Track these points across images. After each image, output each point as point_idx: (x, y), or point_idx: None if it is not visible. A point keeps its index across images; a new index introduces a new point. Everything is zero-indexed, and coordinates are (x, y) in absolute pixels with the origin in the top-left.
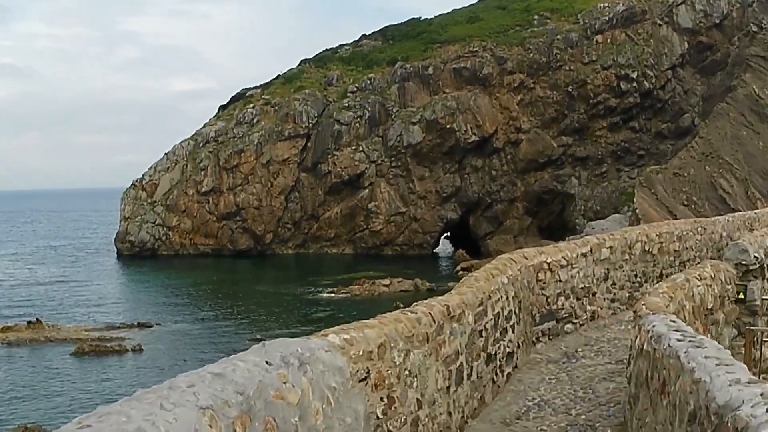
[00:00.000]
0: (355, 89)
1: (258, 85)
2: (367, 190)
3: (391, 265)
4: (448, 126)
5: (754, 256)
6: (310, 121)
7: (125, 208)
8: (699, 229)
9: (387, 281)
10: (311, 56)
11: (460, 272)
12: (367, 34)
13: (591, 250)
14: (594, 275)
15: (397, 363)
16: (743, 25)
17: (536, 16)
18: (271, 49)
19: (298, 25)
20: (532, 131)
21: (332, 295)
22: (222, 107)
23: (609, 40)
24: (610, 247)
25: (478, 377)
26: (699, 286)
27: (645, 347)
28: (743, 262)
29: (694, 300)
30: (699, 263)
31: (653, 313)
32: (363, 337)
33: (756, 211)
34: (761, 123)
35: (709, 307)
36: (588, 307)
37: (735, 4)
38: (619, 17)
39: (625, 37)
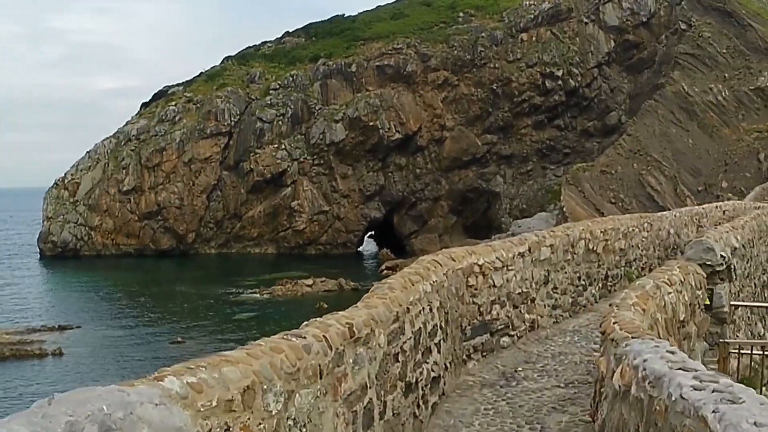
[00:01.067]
0: (278, 86)
1: (181, 82)
2: (289, 189)
3: (315, 264)
4: (371, 124)
5: (721, 255)
6: (232, 118)
7: (47, 208)
8: (645, 225)
9: (310, 281)
10: (234, 53)
11: (385, 271)
12: (290, 31)
13: (529, 250)
14: (533, 278)
15: (275, 411)
16: (671, 23)
17: (461, 14)
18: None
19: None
20: (456, 129)
21: (255, 295)
22: (144, 104)
23: (534, 38)
24: (551, 246)
25: (394, 415)
26: (670, 293)
27: (633, 391)
28: (708, 263)
29: (666, 311)
30: (647, 263)
31: (634, 336)
32: (219, 378)
33: (704, 206)
34: (690, 120)
35: (681, 318)
36: (527, 316)
37: (663, 2)
38: (544, 15)
39: (551, 35)
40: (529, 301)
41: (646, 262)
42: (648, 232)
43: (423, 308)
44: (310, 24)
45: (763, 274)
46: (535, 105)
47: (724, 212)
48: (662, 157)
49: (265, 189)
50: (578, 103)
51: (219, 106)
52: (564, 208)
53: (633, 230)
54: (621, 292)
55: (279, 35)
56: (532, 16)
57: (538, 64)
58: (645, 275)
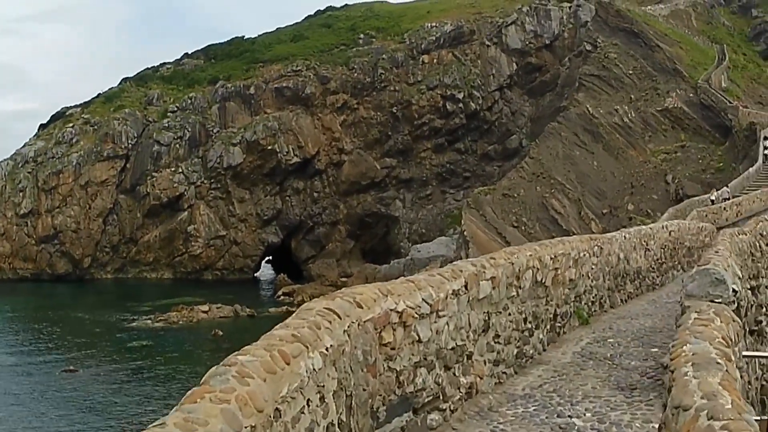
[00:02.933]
0: (176, 109)
1: (79, 103)
2: (186, 213)
3: (212, 290)
4: (269, 147)
5: (733, 290)
6: (129, 141)
7: None
8: (595, 249)
9: (206, 307)
10: (133, 74)
11: (281, 297)
12: (189, 52)
13: (466, 286)
14: (470, 326)
15: None
16: (575, 46)
17: (362, 35)
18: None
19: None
20: (355, 152)
21: (150, 322)
22: (42, 126)
23: (436, 61)
24: (492, 279)
25: None
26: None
27: None
28: (717, 299)
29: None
30: (597, 296)
31: None
32: None
33: (650, 226)
34: (595, 142)
35: None
36: (462, 380)
37: (567, 24)
38: (446, 37)
39: (452, 58)
40: (465, 358)
41: (596, 295)
42: (598, 257)
43: (307, 402)
44: (209, 45)
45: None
46: (435, 128)
47: (670, 233)
48: (566, 180)
49: (161, 213)
50: (479, 126)
51: (116, 129)
52: (465, 232)
53: (584, 255)
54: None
55: (178, 56)
56: (434, 38)
57: (439, 86)
58: (595, 312)
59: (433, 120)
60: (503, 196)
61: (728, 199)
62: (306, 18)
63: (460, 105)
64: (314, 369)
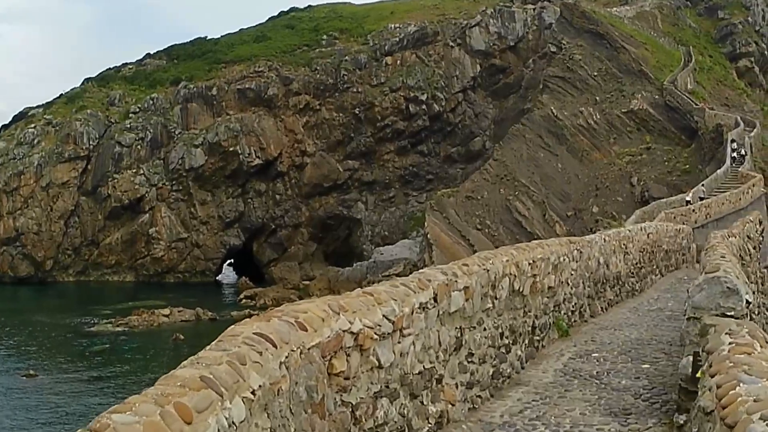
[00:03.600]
0: (138, 110)
1: (41, 104)
2: (147, 215)
3: (174, 293)
4: (231, 149)
5: (747, 301)
6: (90, 142)
7: None
8: (575, 253)
9: (167, 311)
10: (95, 75)
11: (243, 300)
12: (152, 52)
13: (435, 298)
14: (440, 344)
15: None
16: (539, 48)
17: (325, 36)
18: (61, 68)
19: (88, 45)
20: (317, 154)
21: (110, 326)
22: (3, 127)
23: (399, 62)
24: (465, 289)
25: None
26: None
27: None
28: (729, 312)
29: None
30: (576, 305)
31: None
32: None
33: (628, 228)
34: (559, 144)
35: None
36: (431, 408)
37: (531, 26)
38: (410, 38)
39: (416, 59)
40: (435, 383)
41: (576, 304)
42: (577, 262)
43: None
44: (172, 46)
45: None
46: (398, 130)
47: (648, 235)
48: (530, 182)
49: (122, 215)
50: (442, 128)
51: (78, 130)
52: (428, 235)
53: (563, 260)
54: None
55: (141, 57)
56: (398, 40)
57: (402, 88)
58: (575, 322)
59: (396, 122)
60: (467, 199)
61: (704, 198)
62: (269, 19)
63: (423, 107)
64: (232, 424)
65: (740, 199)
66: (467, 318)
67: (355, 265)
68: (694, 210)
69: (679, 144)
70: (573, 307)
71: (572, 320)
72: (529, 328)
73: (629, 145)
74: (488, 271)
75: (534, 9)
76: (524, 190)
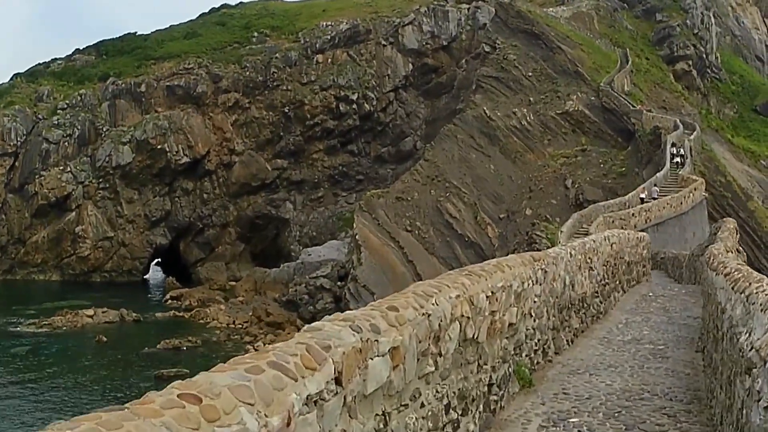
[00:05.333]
0: (66, 106)
1: None
2: (74, 213)
3: (100, 293)
4: (158, 147)
5: None
6: (18, 138)
7: None
8: (539, 274)
9: (91, 312)
10: (24, 70)
11: (169, 301)
12: (81, 48)
13: (338, 379)
14: None
15: None
16: (473, 47)
17: (256, 34)
18: None
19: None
20: (246, 153)
21: (33, 327)
22: None
23: (330, 60)
24: (393, 351)
25: None
26: None
27: None
28: None
29: None
30: (540, 342)
31: None
32: None
33: (592, 237)
34: (492, 145)
35: None
36: None
37: (465, 26)
38: (341, 36)
39: (347, 57)
40: None
41: (539, 340)
42: (542, 285)
43: None
44: (101, 41)
45: None
46: (328, 129)
47: (612, 246)
48: (461, 184)
49: (49, 213)
50: (373, 128)
51: (5, 126)
52: (357, 236)
53: (527, 285)
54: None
55: (70, 52)
56: (329, 38)
57: (332, 87)
58: (539, 363)
59: (325, 121)
60: (397, 200)
61: (656, 198)
62: (200, 15)
63: (354, 106)
64: None
65: (681, 203)
66: (395, 395)
67: (282, 266)
68: (633, 214)
69: (615, 146)
70: (536, 344)
71: (535, 362)
72: (485, 388)
73: (564, 147)
74: (429, 316)
75: (468, 8)
76: (455, 191)
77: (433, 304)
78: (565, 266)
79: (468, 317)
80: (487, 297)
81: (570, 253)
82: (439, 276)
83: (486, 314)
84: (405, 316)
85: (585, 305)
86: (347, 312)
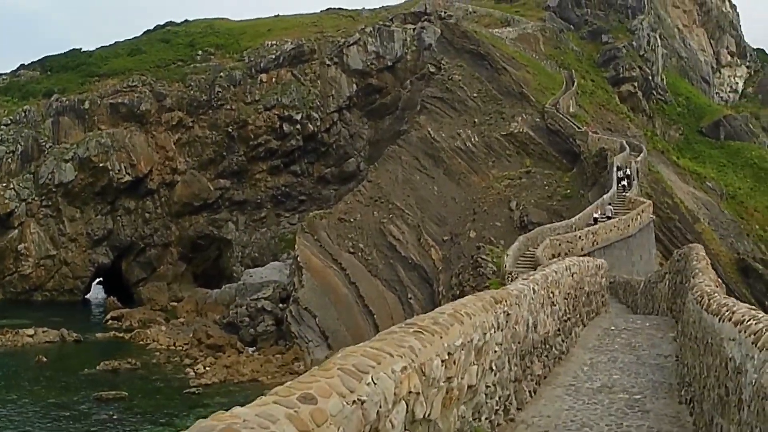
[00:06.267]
0: (9, 122)
1: None
2: (16, 231)
3: (41, 312)
4: (101, 165)
5: None
6: None
7: None
8: (501, 318)
9: (32, 331)
10: None
11: (110, 321)
12: (26, 63)
13: None
14: None
15: None
16: (417, 68)
17: (200, 52)
18: None
19: None
20: (188, 172)
21: None
22: None
23: (274, 80)
24: None
25: None
26: None
27: None
28: None
29: None
30: (501, 400)
31: None
32: None
33: (552, 266)
34: (436, 167)
35: None
36: None
37: (410, 46)
38: (286, 56)
39: (291, 77)
40: None
41: (500, 398)
42: (503, 330)
43: None
44: (46, 57)
45: None
46: (271, 149)
47: (572, 275)
48: (405, 205)
49: None
50: (316, 148)
51: None
52: (298, 258)
53: (489, 336)
54: None
55: (15, 67)
56: (274, 57)
57: (276, 106)
58: (499, 426)
59: (269, 141)
60: (339, 221)
61: (612, 217)
62: (145, 32)
63: (298, 126)
64: None
65: (629, 225)
66: None
67: (224, 287)
68: (580, 237)
69: (560, 168)
70: (497, 403)
71: (496, 424)
72: None
73: (508, 169)
74: (363, 403)
75: (414, 29)
76: (399, 213)
77: (369, 385)
78: (529, 305)
79: (418, 393)
80: (443, 361)
81: (533, 288)
82: (380, 335)
83: (441, 383)
84: (326, 410)
85: (547, 346)
86: (235, 410)
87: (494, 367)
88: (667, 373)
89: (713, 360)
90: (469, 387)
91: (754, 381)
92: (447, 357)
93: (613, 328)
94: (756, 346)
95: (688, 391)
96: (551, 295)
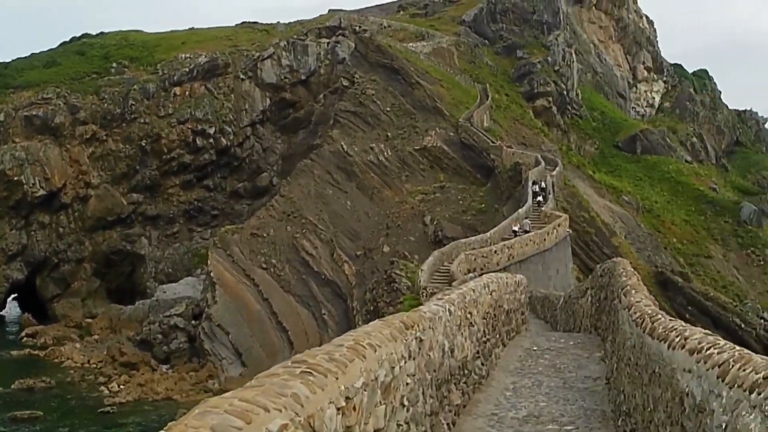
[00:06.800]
0: None
1: None
2: None
3: None
4: (15, 178)
5: None
6: None
7: None
8: (413, 346)
9: None
10: None
11: (25, 338)
12: None
13: None
14: None
15: None
16: (331, 82)
17: (114, 64)
18: None
19: None
20: (102, 187)
21: None
22: None
23: (188, 93)
24: None
25: None
26: None
27: None
28: None
29: None
30: None
31: None
32: None
33: (469, 284)
34: (349, 181)
35: None
36: None
37: (324, 60)
38: (200, 69)
39: (205, 91)
40: None
41: None
42: (416, 359)
43: None
44: None
45: None
46: (184, 164)
47: (491, 293)
48: (318, 220)
49: None
50: (229, 162)
51: None
52: (212, 273)
53: (398, 369)
54: None
55: None
56: (187, 70)
57: (189, 120)
58: None
59: (182, 155)
60: (252, 236)
61: (528, 231)
62: (61, 44)
63: (211, 140)
64: None
65: (545, 239)
66: None
67: (137, 303)
68: (495, 251)
69: (474, 183)
70: None
71: None
72: None
73: (422, 183)
74: None
75: (328, 43)
76: (312, 227)
77: None
78: (444, 328)
79: None
80: (339, 409)
81: (449, 309)
82: (257, 379)
83: None
84: None
85: (466, 371)
86: None
87: (406, 402)
88: (598, 399)
89: (662, 393)
90: (376, 431)
91: (724, 424)
92: (345, 403)
93: (535, 348)
94: (723, 381)
95: (627, 422)
96: (469, 315)
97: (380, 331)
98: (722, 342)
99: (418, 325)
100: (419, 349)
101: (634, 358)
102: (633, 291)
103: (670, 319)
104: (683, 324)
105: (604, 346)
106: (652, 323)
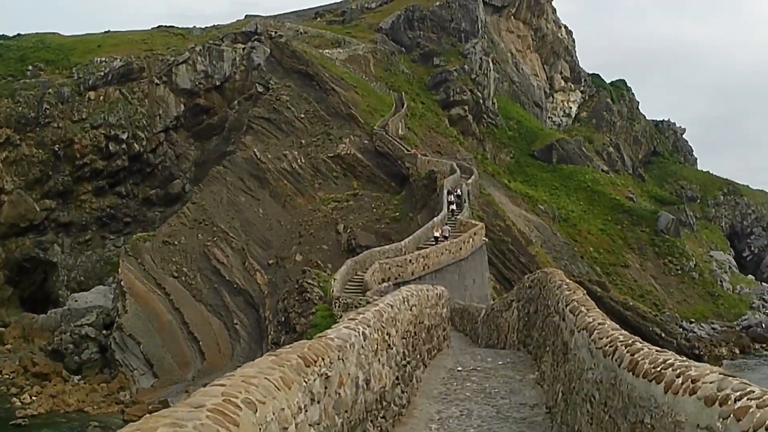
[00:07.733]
0: None
1: None
2: None
3: None
4: None
5: None
6: None
7: None
8: (317, 386)
9: None
10: None
11: None
12: None
13: None
14: None
15: None
16: (245, 88)
17: (30, 67)
18: None
19: None
20: (15, 192)
21: None
22: None
23: (102, 98)
24: None
25: None
26: None
27: None
28: None
29: None
30: None
31: None
32: None
33: (388, 302)
34: (261, 188)
35: None
36: None
37: (240, 66)
38: (115, 73)
39: (119, 95)
40: None
41: None
42: (321, 401)
43: None
44: None
45: None
46: (96, 169)
47: (411, 308)
48: (229, 228)
49: None
50: (142, 169)
51: None
52: (122, 282)
53: (296, 421)
54: None
55: None
56: (102, 74)
57: (103, 125)
58: None
59: (95, 161)
60: (163, 244)
61: (448, 237)
62: None
63: (124, 146)
64: None
65: (461, 249)
66: None
67: (49, 312)
68: (410, 261)
69: (388, 191)
70: None
71: None
72: None
73: (335, 191)
74: None
75: (244, 48)
76: (223, 236)
77: None
78: (358, 357)
79: None
80: None
81: (363, 333)
82: None
83: None
84: None
85: (384, 404)
86: None
87: None
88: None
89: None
90: None
91: None
92: None
93: (459, 368)
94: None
95: None
96: (387, 336)
97: (268, 376)
98: (752, 388)
99: (323, 359)
100: (325, 389)
101: (600, 397)
102: (583, 308)
103: (657, 350)
104: (676, 356)
105: (538, 367)
106: (632, 355)
